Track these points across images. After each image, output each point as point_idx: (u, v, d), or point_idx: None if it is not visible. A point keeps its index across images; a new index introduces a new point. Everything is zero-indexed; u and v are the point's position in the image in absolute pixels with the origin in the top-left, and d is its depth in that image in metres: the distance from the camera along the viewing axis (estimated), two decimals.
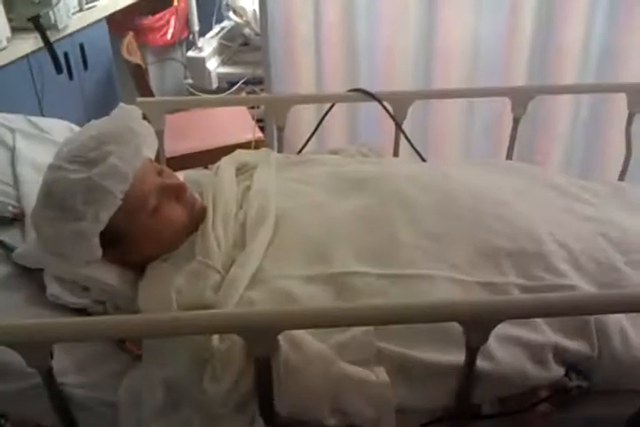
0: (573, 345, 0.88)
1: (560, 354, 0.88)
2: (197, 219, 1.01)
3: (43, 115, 2.02)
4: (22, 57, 1.98)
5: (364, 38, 1.74)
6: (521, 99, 1.39)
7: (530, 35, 1.66)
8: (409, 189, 1.04)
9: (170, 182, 1.00)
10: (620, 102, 1.42)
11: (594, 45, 1.67)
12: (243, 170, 1.18)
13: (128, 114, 1.00)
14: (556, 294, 0.84)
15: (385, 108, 1.39)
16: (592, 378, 0.89)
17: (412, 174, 1.10)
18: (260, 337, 0.76)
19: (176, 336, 0.84)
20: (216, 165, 1.17)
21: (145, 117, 1.06)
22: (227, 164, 1.16)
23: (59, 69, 2.11)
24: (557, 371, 0.87)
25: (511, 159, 1.46)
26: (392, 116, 1.39)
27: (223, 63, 3.01)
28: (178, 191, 1.00)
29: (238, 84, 2.83)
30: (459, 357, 0.81)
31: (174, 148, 2.29)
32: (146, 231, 0.96)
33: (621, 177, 1.46)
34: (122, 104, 1.02)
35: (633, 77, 1.66)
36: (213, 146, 2.25)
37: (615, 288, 0.95)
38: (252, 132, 2.20)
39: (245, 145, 2.19)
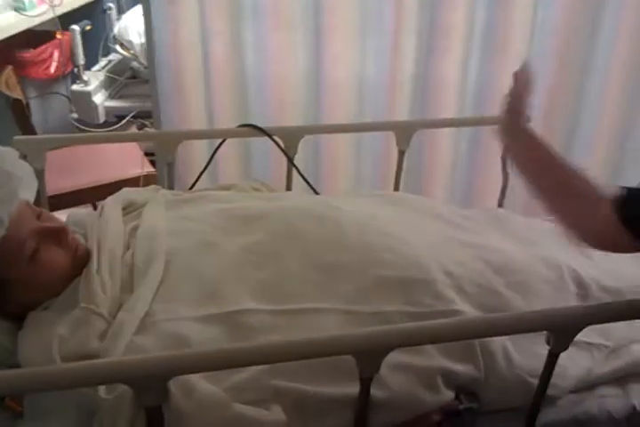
0: (461, 368, 0.92)
1: (449, 377, 0.91)
2: (80, 263, 0.97)
3: None
4: None
5: (254, 72, 1.76)
6: (405, 133, 1.45)
7: (411, 72, 1.75)
8: (299, 223, 1.06)
9: (49, 226, 0.95)
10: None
11: (470, 82, 1.79)
12: (130, 209, 1.15)
13: (3, 156, 0.95)
14: (441, 320, 0.88)
15: (276, 142, 1.40)
16: (480, 399, 0.93)
17: (303, 208, 1.12)
18: (149, 385, 0.74)
19: (59, 390, 0.79)
20: (101, 204, 1.13)
21: (24, 156, 1.01)
22: (112, 203, 1.12)
23: None
24: (448, 394, 0.91)
25: (398, 190, 1.52)
26: (283, 151, 1.41)
27: (111, 97, 2.93)
28: (58, 235, 0.95)
29: (127, 119, 2.77)
30: (353, 388, 0.82)
31: (60, 185, 2.18)
32: (24, 278, 0.91)
33: (500, 203, 1.56)
34: None
35: None
36: (102, 182, 2.17)
37: (497, 310, 1.00)
38: (142, 167, 2.15)
39: (135, 180, 2.13)
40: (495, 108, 1.75)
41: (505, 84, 1.69)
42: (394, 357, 0.87)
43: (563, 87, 1.79)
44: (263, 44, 1.73)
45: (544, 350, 0.87)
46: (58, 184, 2.20)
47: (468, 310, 0.98)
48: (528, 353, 0.96)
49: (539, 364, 0.89)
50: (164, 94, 1.79)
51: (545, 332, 0.85)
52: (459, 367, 0.92)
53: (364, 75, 1.76)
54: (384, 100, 1.79)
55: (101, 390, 0.79)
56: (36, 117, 2.95)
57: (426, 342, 0.86)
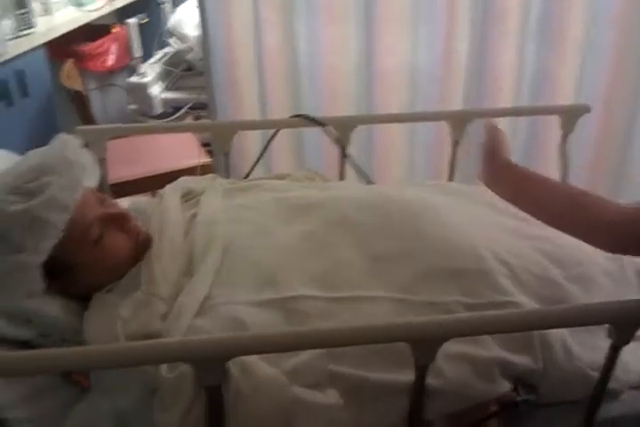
0: (519, 360, 0.91)
1: (507, 369, 0.90)
2: (142, 248, 1.00)
3: None
4: None
5: (306, 63, 1.77)
6: (459, 122, 1.44)
7: (465, 60, 1.73)
8: (353, 213, 1.06)
9: (112, 212, 0.99)
10: (553, 123, 1.49)
11: (526, 70, 1.75)
12: (188, 197, 1.18)
13: (67, 144, 0.99)
14: (499, 311, 0.87)
15: (329, 133, 1.41)
16: (539, 391, 0.92)
17: (357, 198, 1.12)
18: (210, 365, 0.76)
19: (123, 367, 0.82)
20: (160, 192, 1.16)
21: (86, 145, 1.05)
22: (171, 191, 1.15)
23: None
24: (505, 386, 0.90)
25: (452, 181, 1.50)
26: (336, 141, 1.42)
27: (167, 89, 3.00)
28: (121, 221, 0.99)
29: (183, 110, 2.83)
30: (409, 375, 0.83)
31: (119, 174, 2.25)
32: (89, 262, 0.95)
33: None
34: (61, 134, 1.01)
35: (564, 100, 1.75)
36: (159, 171, 2.23)
37: (555, 302, 0.98)
38: (198, 157, 2.19)
39: (192, 170, 2.17)
40: (552, 96, 1.74)
41: (563, 71, 1.66)
42: (450, 346, 0.87)
43: (621, 78, 1.74)
44: (316, 36, 1.74)
45: (604, 342, 0.85)
46: (117, 173, 2.26)
47: (526, 302, 0.96)
48: (588, 346, 0.94)
49: (599, 357, 0.87)
50: (218, 86, 1.82)
51: (606, 325, 0.84)
52: (516, 359, 0.91)
53: (417, 64, 1.75)
54: (437, 89, 1.77)
55: (163, 369, 0.82)
56: (95, 109, 3.03)
57: (483, 332, 0.86)
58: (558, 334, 0.93)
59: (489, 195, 1.29)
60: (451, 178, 1.51)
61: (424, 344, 0.78)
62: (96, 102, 3.04)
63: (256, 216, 1.09)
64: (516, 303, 0.95)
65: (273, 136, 1.47)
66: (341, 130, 1.41)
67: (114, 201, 1.04)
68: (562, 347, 0.92)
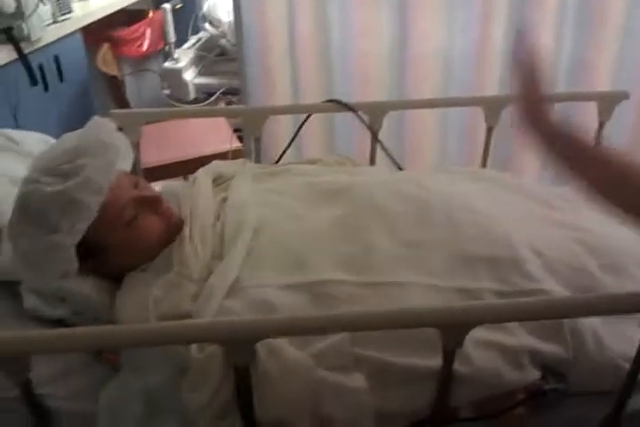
0: (548, 348, 0.90)
1: (536, 357, 0.89)
2: (174, 230, 1.01)
3: (18, 127, 2.01)
4: None
5: (339, 49, 1.76)
6: (493, 108, 1.42)
7: (501, 45, 1.70)
8: (384, 199, 1.06)
9: (146, 194, 1.00)
10: (591, 110, 1.46)
11: (564, 56, 1.71)
12: (219, 181, 1.19)
13: (102, 127, 1.00)
14: (529, 298, 0.86)
15: (360, 118, 1.40)
16: (568, 380, 0.91)
17: (387, 184, 1.12)
18: (239, 346, 0.77)
19: (154, 347, 0.84)
20: (192, 176, 1.17)
21: (120, 129, 1.07)
22: (203, 175, 1.16)
23: (33, 81, 2.10)
24: (534, 374, 0.89)
25: (485, 167, 1.49)
26: (368, 126, 1.41)
27: (200, 74, 3.01)
28: (154, 203, 1.00)
29: (216, 95, 2.84)
30: (436, 361, 0.83)
31: (152, 158, 2.28)
32: (122, 243, 0.96)
33: None
34: (96, 117, 1.02)
35: (601, 87, 1.71)
36: (191, 156, 2.25)
37: (588, 292, 0.96)
38: (229, 142, 2.20)
39: (223, 155, 2.19)
40: (590, 82, 1.70)
41: (601, 57, 1.61)
42: (479, 333, 0.87)
43: None
44: (348, 21, 1.73)
45: (636, 333, 0.84)
46: (149, 158, 2.30)
47: (557, 290, 0.95)
48: (620, 336, 0.92)
49: (630, 347, 0.86)
50: (251, 72, 1.82)
51: (639, 315, 0.82)
52: (546, 347, 0.90)
53: (452, 49, 1.72)
54: (472, 75, 1.75)
55: (193, 349, 0.83)
56: (130, 93, 3.07)
57: (512, 319, 0.85)
58: (589, 324, 0.92)
59: (524, 182, 1.28)
60: (484, 164, 1.50)
61: (453, 330, 0.78)
62: (131, 87, 3.07)
63: (286, 200, 1.10)
64: (547, 291, 0.94)
65: (304, 121, 1.46)
66: (373, 115, 1.41)
67: (147, 184, 1.06)
68: (593, 336, 0.91)
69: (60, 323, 0.95)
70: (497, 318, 0.80)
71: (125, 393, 0.87)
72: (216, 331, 0.77)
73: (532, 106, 0.79)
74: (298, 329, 0.78)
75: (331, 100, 1.44)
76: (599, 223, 1.11)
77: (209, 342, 0.80)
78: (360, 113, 1.41)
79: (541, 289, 0.94)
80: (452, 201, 1.07)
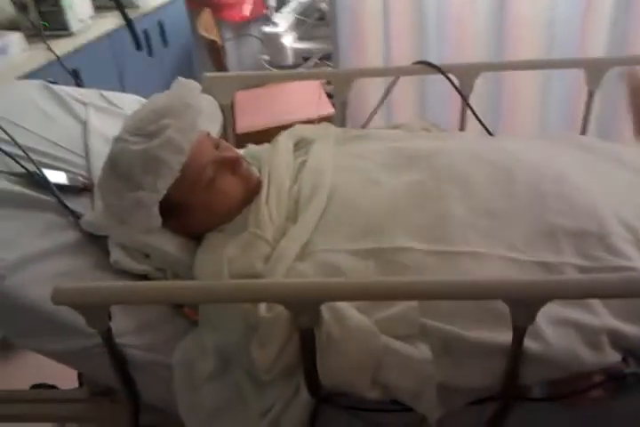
0: (632, 330, 0.84)
1: (618, 339, 0.84)
2: (253, 192, 1.03)
3: (124, 90, 2.10)
4: (104, 35, 2.06)
5: (434, 9, 1.69)
6: (595, 71, 1.32)
7: (609, 6, 1.56)
8: (465, 165, 1.02)
9: (226, 155, 1.02)
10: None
11: None
12: (301, 145, 1.19)
13: (186, 88, 1.03)
14: (608, 275, 0.80)
15: (450, 80, 1.35)
16: None
17: (470, 150, 1.07)
18: (303, 308, 0.78)
19: (222, 303, 0.87)
20: (274, 139, 1.18)
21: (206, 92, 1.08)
22: (285, 138, 1.17)
23: (139, 46, 2.19)
24: (614, 356, 0.84)
25: (585, 134, 1.39)
26: (458, 90, 1.35)
27: (299, 38, 3.01)
28: (233, 164, 1.02)
29: (312, 60, 2.83)
30: (506, 336, 0.80)
31: (248, 123, 2.33)
32: (202, 202, 0.99)
33: None
34: (180, 78, 1.05)
35: None
36: (285, 122, 2.25)
37: None
38: (324, 108, 2.19)
39: (317, 120, 2.19)
40: None
41: None
42: (556, 310, 0.83)
43: None
44: None
45: None
46: (246, 123, 2.35)
47: None
48: None
49: None
50: (343, 35, 1.80)
51: None
52: (630, 329, 0.84)
53: (554, 9, 1.61)
54: (576, 37, 1.63)
55: (262, 308, 0.85)
56: (231, 58, 3.14)
57: (586, 296, 0.80)
58: None
59: (625, 152, 1.19)
60: (583, 131, 1.40)
61: (523, 304, 0.75)
62: (231, 52, 3.13)
63: (365, 165, 1.08)
64: (635, 269, 0.87)
65: (392, 84, 1.43)
66: (463, 78, 1.35)
67: (228, 145, 1.08)
68: None
69: (144, 278, 1.00)
70: (571, 294, 0.76)
71: (200, 347, 0.91)
72: (280, 292, 0.78)
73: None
74: (360, 294, 0.77)
75: (420, 62, 1.39)
76: None
77: (273, 302, 0.82)
78: (451, 76, 1.35)
79: (630, 266, 0.88)
80: (538, 169, 1.01)
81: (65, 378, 1.22)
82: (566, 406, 0.86)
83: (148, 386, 0.94)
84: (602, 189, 1.00)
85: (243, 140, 1.65)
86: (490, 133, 1.35)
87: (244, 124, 2.36)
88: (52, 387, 1.26)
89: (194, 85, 1.04)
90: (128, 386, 0.92)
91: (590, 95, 1.36)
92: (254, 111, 2.48)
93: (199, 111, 1.00)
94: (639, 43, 1.61)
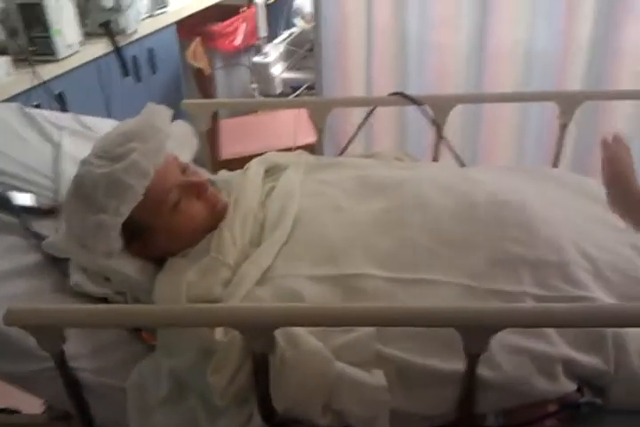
0: (587, 360, 0.84)
1: (572, 368, 0.84)
2: (218, 217, 1.03)
3: (110, 116, 2.13)
4: (92, 60, 2.09)
5: (416, 40, 1.73)
6: (568, 104, 1.34)
7: (586, 39, 1.60)
8: (430, 194, 1.03)
9: (191, 180, 1.03)
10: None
11: None
12: (273, 171, 1.20)
13: (156, 113, 1.04)
14: (559, 304, 0.80)
15: (425, 112, 1.37)
16: (606, 395, 0.85)
17: (436, 179, 1.08)
18: (257, 332, 0.77)
19: (175, 327, 0.87)
20: (247, 165, 1.19)
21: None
22: (256, 164, 1.18)
23: (125, 73, 2.22)
24: (568, 385, 0.84)
25: (557, 166, 1.41)
26: (432, 120, 1.37)
27: (289, 68, 3.06)
28: (199, 189, 1.03)
29: (300, 90, 2.87)
30: (459, 364, 0.79)
31: (234, 150, 2.36)
32: (166, 226, 0.99)
33: None
34: (150, 103, 1.06)
35: None
36: (270, 149, 2.27)
37: None
38: (310, 136, 2.21)
39: (302, 148, 2.21)
40: None
41: None
42: (511, 338, 0.83)
43: None
44: (426, 11, 1.69)
45: None
46: (231, 150, 2.38)
47: (605, 299, 0.89)
48: None
49: None
50: (327, 66, 1.83)
51: None
52: (584, 358, 0.84)
53: (534, 41, 1.64)
54: (555, 68, 1.67)
55: (218, 333, 0.84)
56: (220, 87, 3.18)
57: (538, 325, 0.80)
58: (636, 335, 0.85)
59: (591, 184, 1.20)
60: (555, 164, 1.42)
61: (475, 332, 0.75)
62: (222, 81, 3.17)
63: (333, 192, 1.09)
64: (593, 299, 0.88)
65: (369, 114, 1.45)
66: (438, 109, 1.37)
67: (196, 169, 1.09)
68: (638, 350, 0.84)
69: (104, 301, 0.99)
70: (521, 322, 0.76)
71: (155, 372, 0.90)
72: (234, 316, 0.78)
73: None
74: (314, 319, 0.77)
75: (396, 93, 1.41)
76: None
77: (226, 326, 0.82)
78: (424, 107, 1.37)
79: (586, 296, 0.88)
80: (501, 199, 1.02)
81: (34, 402, 1.20)
82: None
83: (102, 410, 0.93)
84: (562, 219, 1.01)
85: (228, 166, 1.67)
86: (462, 164, 1.37)
87: (231, 150, 2.39)
88: (16, 412, 1.24)
89: (164, 111, 1.05)
90: (81, 410, 0.91)
91: (563, 128, 1.37)
92: (241, 138, 2.51)
93: (167, 136, 1.01)
94: (615, 78, 1.64)
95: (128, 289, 0.99)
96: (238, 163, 2.23)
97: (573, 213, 1.05)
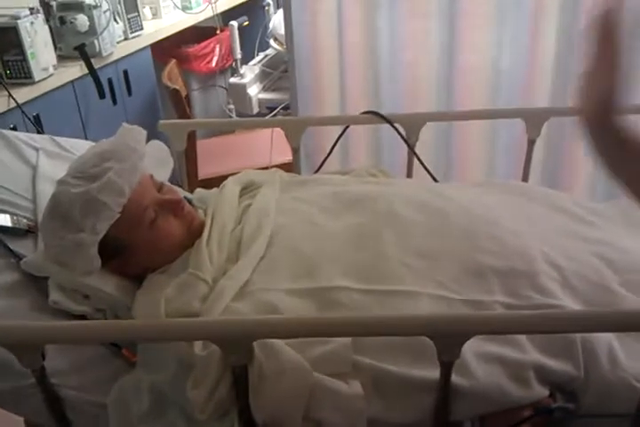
0: (558, 365, 0.87)
1: (543, 374, 0.86)
2: (194, 234, 1.05)
3: (86, 138, 2.14)
4: (68, 83, 2.11)
5: (387, 60, 1.77)
6: (534, 120, 1.39)
7: (552, 58, 1.66)
8: (402, 208, 1.06)
9: (167, 198, 1.04)
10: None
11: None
12: (248, 189, 1.22)
13: (129, 133, 1.06)
14: (528, 311, 0.83)
15: (396, 129, 1.41)
16: (579, 400, 0.87)
17: (408, 195, 1.11)
18: (235, 345, 0.79)
19: (154, 342, 0.88)
20: (223, 183, 1.21)
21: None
22: (231, 183, 1.20)
23: (102, 95, 2.23)
24: (540, 391, 0.86)
25: (526, 181, 1.45)
26: (403, 138, 1.41)
27: (265, 89, 3.09)
28: (175, 206, 1.04)
29: (277, 110, 2.91)
30: (434, 372, 0.81)
31: (211, 170, 2.38)
32: (143, 244, 1.01)
33: None
34: (124, 124, 1.08)
35: None
36: (248, 168, 2.31)
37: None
38: (286, 155, 2.24)
39: (279, 167, 2.24)
40: None
41: None
42: (482, 346, 0.85)
43: None
44: (397, 32, 1.74)
45: None
46: (210, 169, 2.40)
47: (573, 306, 0.92)
48: (636, 355, 0.88)
49: None
50: (301, 86, 1.87)
51: None
52: (555, 364, 0.86)
53: (500, 62, 1.70)
54: (522, 87, 1.72)
55: (197, 347, 0.86)
56: (197, 108, 3.21)
57: (507, 332, 0.82)
58: (604, 341, 0.88)
59: (559, 197, 1.24)
60: (525, 178, 1.46)
61: (446, 340, 0.77)
62: (198, 102, 3.20)
63: (308, 208, 1.11)
64: (561, 307, 0.91)
65: (342, 133, 1.49)
66: (409, 127, 1.41)
67: (172, 188, 1.10)
68: (607, 354, 0.87)
69: (84, 319, 1.00)
70: (491, 329, 0.78)
71: (135, 387, 0.91)
72: (212, 329, 0.79)
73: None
74: (290, 331, 0.79)
75: (368, 112, 1.45)
76: (630, 240, 1.06)
77: (205, 340, 0.83)
78: (398, 125, 1.41)
79: (555, 304, 0.91)
80: (470, 213, 1.05)
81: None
82: None
83: (82, 426, 0.93)
84: (532, 231, 1.04)
85: (206, 185, 1.69)
86: (435, 180, 1.40)
87: (208, 170, 2.41)
88: None
89: (138, 131, 1.07)
90: (62, 426, 0.91)
91: (531, 144, 1.42)
92: (218, 158, 2.53)
93: (142, 155, 1.03)
94: None
95: (107, 306, 1.00)
96: (216, 182, 2.25)
97: (542, 225, 1.08)
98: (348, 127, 1.49)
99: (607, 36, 0.62)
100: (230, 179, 1.23)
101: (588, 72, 0.64)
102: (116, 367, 0.96)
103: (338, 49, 1.80)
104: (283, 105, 2.92)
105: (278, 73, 3.16)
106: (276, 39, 3.05)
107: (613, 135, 0.63)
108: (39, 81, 1.95)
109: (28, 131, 1.80)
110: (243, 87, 2.97)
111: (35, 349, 0.82)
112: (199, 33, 3.05)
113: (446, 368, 0.80)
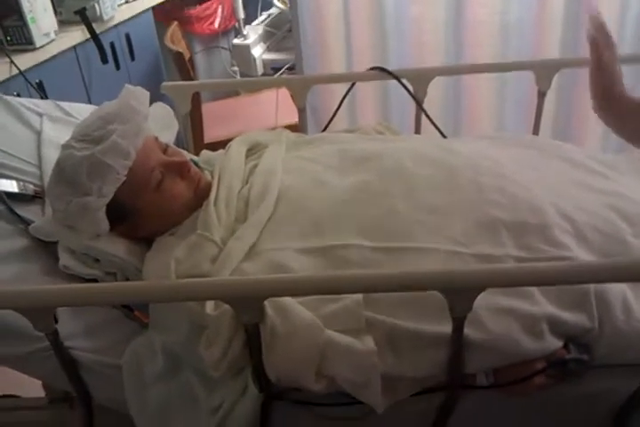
0: (571, 317, 0.86)
1: (557, 326, 0.86)
2: (202, 195, 1.04)
3: (90, 103, 2.12)
4: (70, 48, 2.08)
5: (393, 15, 1.72)
6: (544, 72, 1.35)
7: (561, 9, 1.60)
8: (409, 164, 1.04)
9: (173, 159, 1.03)
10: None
11: (629, 17, 1.60)
12: (255, 149, 1.20)
13: (133, 95, 1.04)
14: (541, 263, 0.82)
15: (403, 85, 1.38)
16: (593, 351, 0.87)
17: (415, 150, 1.09)
18: (246, 304, 0.79)
19: (165, 302, 0.88)
20: (228, 144, 1.20)
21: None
22: (237, 143, 1.19)
23: (104, 60, 2.20)
24: (554, 343, 0.86)
25: (537, 134, 1.42)
26: (411, 94, 1.38)
27: (268, 50, 3.04)
28: (181, 168, 1.03)
29: (282, 70, 2.86)
30: (446, 327, 0.81)
31: (217, 133, 2.36)
32: (150, 206, 1.00)
33: None
34: (127, 85, 1.06)
35: None
36: (255, 129, 2.29)
37: None
38: (293, 116, 2.22)
39: (287, 128, 2.22)
40: None
41: None
42: (494, 299, 0.85)
43: None
44: None
45: None
46: (216, 132, 2.38)
47: (586, 258, 0.91)
48: None
49: None
50: (306, 44, 1.82)
51: None
52: (568, 316, 0.86)
53: (509, 13, 1.65)
54: (531, 39, 1.67)
55: (208, 307, 0.86)
56: (201, 70, 3.16)
57: (518, 284, 0.81)
58: (618, 291, 0.87)
59: (570, 149, 1.22)
60: (536, 132, 1.43)
61: (457, 294, 0.76)
62: (201, 64, 3.15)
63: (314, 167, 1.10)
64: (575, 259, 0.89)
65: (349, 90, 1.45)
66: (417, 82, 1.38)
67: (177, 149, 1.09)
68: (621, 305, 0.86)
69: (94, 282, 1.00)
70: (502, 282, 0.77)
71: (149, 348, 0.92)
72: (224, 289, 0.79)
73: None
74: (300, 289, 0.79)
75: (375, 68, 1.42)
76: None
77: (216, 299, 0.83)
78: (405, 80, 1.38)
79: (568, 256, 0.90)
80: (479, 166, 1.03)
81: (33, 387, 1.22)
82: (512, 395, 0.88)
83: (99, 388, 0.94)
84: (543, 183, 1.02)
85: (212, 149, 1.67)
86: (443, 136, 1.38)
87: (214, 133, 2.39)
88: (14, 396, 1.26)
89: (141, 92, 1.05)
90: (80, 389, 0.93)
91: (541, 96, 1.39)
92: (224, 121, 2.51)
93: (146, 117, 1.01)
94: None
95: (118, 269, 1.00)
96: (222, 145, 2.22)
97: (554, 177, 1.06)
98: (354, 84, 1.46)
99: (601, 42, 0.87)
100: (236, 140, 1.22)
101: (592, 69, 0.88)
102: (130, 329, 0.97)
103: (342, 5, 1.75)
104: (288, 65, 2.88)
105: (282, 33, 3.10)
106: None
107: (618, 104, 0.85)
108: (41, 47, 1.92)
109: (31, 98, 1.79)
110: (246, 48, 2.92)
111: (48, 312, 0.82)
112: None
113: (458, 322, 0.79)
